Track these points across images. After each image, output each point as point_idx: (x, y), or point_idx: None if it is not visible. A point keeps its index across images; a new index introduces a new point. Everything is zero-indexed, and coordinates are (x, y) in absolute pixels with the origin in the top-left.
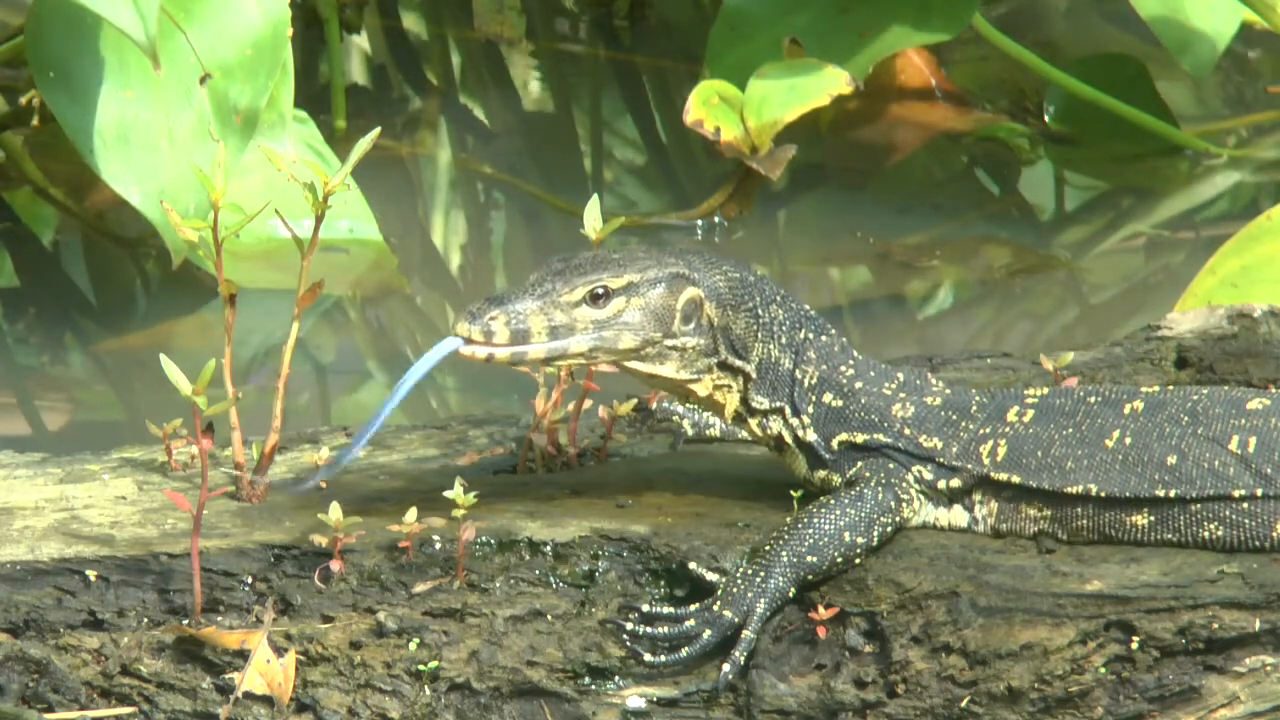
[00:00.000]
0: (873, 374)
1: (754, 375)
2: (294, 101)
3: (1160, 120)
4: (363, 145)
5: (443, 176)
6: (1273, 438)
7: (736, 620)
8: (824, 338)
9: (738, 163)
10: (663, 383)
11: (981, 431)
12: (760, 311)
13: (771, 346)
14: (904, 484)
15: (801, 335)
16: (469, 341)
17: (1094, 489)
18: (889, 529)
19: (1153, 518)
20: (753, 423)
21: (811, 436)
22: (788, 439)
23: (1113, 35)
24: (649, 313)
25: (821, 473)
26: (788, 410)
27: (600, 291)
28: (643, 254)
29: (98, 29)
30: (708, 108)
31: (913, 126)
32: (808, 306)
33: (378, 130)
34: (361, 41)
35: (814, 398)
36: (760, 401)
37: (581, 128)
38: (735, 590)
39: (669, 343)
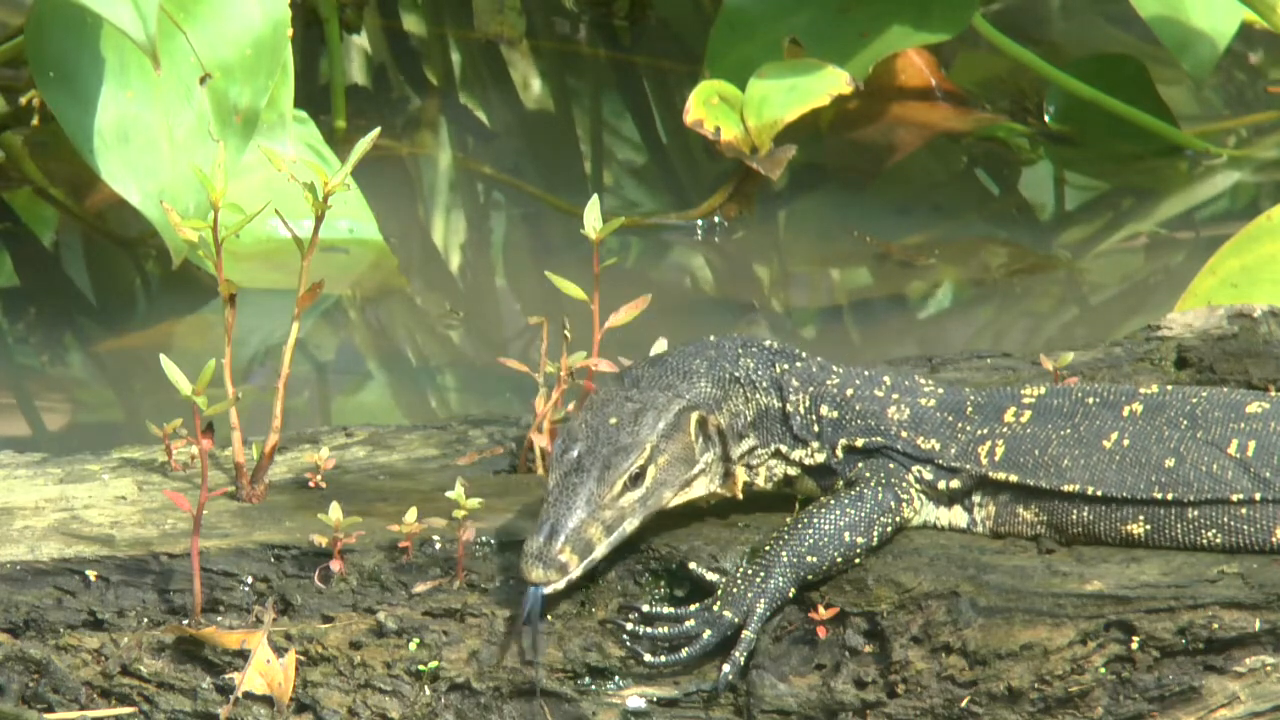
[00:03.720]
0: (859, 381)
1: (755, 439)
2: (294, 101)
3: (1160, 120)
4: (363, 145)
5: (443, 176)
6: (1272, 442)
7: (736, 620)
8: (799, 364)
9: (738, 163)
10: (697, 502)
11: (979, 432)
12: (736, 373)
13: (759, 397)
14: (904, 484)
15: (778, 370)
16: (549, 584)
17: (1091, 489)
18: (889, 529)
19: (1149, 526)
20: (760, 479)
21: (821, 458)
22: (793, 473)
23: (1113, 35)
24: (676, 461)
25: (830, 486)
26: (784, 448)
27: (636, 474)
28: (635, 395)
29: (98, 29)
30: (708, 108)
31: (913, 126)
32: (768, 340)
33: (378, 130)
34: (361, 41)
35: (814, 418)
36: (760, 454)
37: (581, 128)
38: (735, 590)
39: (695, 471)
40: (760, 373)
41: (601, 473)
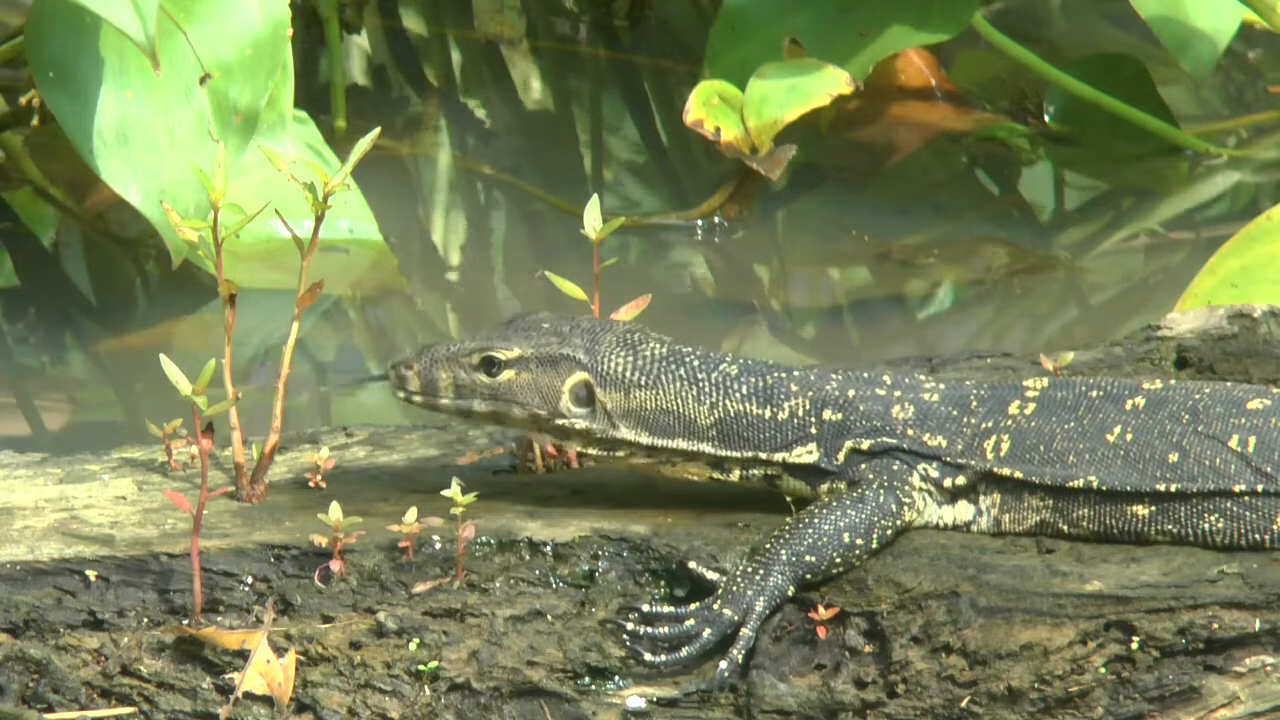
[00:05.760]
0: (860, 382)
1: (714, 442)
2: (294, 101)
3: (1160, 120)
4: (363, 145)
5: (443, 176)
6: (1273, 437)
7: (736, 618)
8: (796, 373)
9: (738, 163)
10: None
11: (984, 426)
12: (700, 376)
13: (729, 403)
14: (907, 487)
15: (770, 379)
16: (386, 381)
17: (1095, 482)
18: (889, 532)
19: (1153, 508)
20: (735, 477)
21: (811, 458)
22: (773, 473)
23: (1113, 35)
24: (534, 390)
25: (825, 485)
26: (763, 454)
27: (492, 360)
28: (567, 328)
29: (98, 29)
30: (708, 108)
31: (913, 126)
32: (770, 361)
33: (378, 130)
34: (361, 41)
35: (813, 419)
36: (732, 454)
37: (581, 128)
38: (735, 589)
39: (559, 422)
40: (739, 380)
41: (478, 341)
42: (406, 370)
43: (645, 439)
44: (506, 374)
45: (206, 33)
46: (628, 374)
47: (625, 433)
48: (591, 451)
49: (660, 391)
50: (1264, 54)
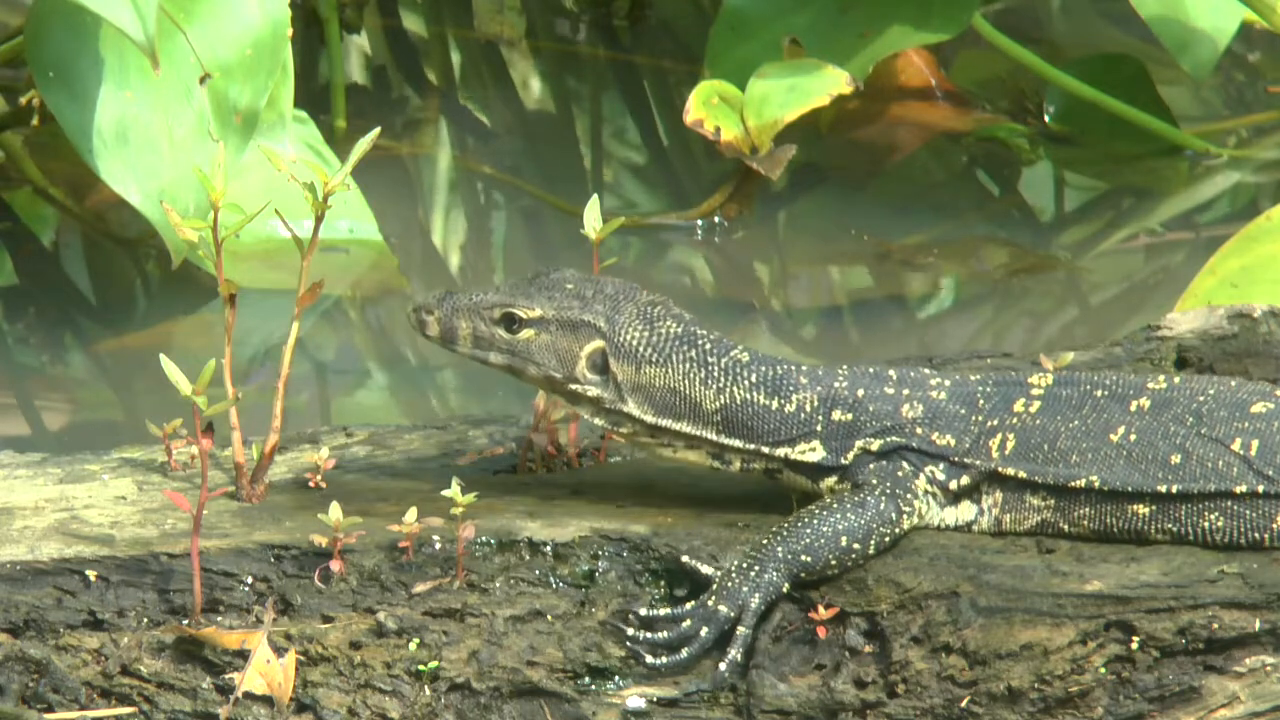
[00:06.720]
0: (868, 380)
1: (717, 428)
2: (294, 101)
3: (1160, 120)
4: (363, 145)
5: (443, 176)
6: (1275, 441)
7: (732, 614)
8: (804, 366)
9: (738, 163)
10: (592, 421)
11: (990, 424)
12: (710, 360)
13: (736, 390)
14: (909, 494)
15: (780, 370)
16: (410, 320)
17: (1098, 483)
18: (887, 539)
19: (1154, 507)
20: (735, 468)
21: (815, 456)
22: (774, 467)
23: (1113, 35)
24: (552, 351)
25: (829, 480)
26: (765, 449)
27: (513, 317)
28: (590, 291)
29: (98, 29)
30: (708, 108)
31: (913, 126)
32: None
33: (378, 130)
34: (361, 41)
35: (821, 418)
36: (734, 444)
37: (581, 128)
38: (730, 584)
39: (573, 386)
40: (748, 368)
41: (501, 294)
42: (427, 315)
43: (650, 416)
44: (526, 333)
45: (206, 33)
46: (640, 348)
47: (632, 407)
48: (599, 421)
49: (669, 370)
50: (1264, 54)
